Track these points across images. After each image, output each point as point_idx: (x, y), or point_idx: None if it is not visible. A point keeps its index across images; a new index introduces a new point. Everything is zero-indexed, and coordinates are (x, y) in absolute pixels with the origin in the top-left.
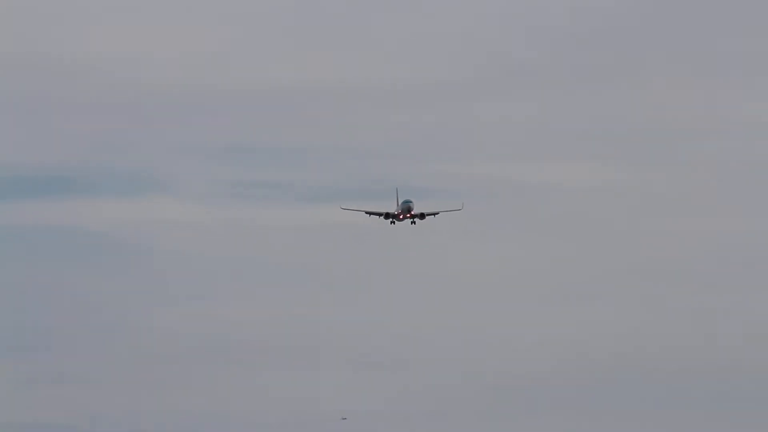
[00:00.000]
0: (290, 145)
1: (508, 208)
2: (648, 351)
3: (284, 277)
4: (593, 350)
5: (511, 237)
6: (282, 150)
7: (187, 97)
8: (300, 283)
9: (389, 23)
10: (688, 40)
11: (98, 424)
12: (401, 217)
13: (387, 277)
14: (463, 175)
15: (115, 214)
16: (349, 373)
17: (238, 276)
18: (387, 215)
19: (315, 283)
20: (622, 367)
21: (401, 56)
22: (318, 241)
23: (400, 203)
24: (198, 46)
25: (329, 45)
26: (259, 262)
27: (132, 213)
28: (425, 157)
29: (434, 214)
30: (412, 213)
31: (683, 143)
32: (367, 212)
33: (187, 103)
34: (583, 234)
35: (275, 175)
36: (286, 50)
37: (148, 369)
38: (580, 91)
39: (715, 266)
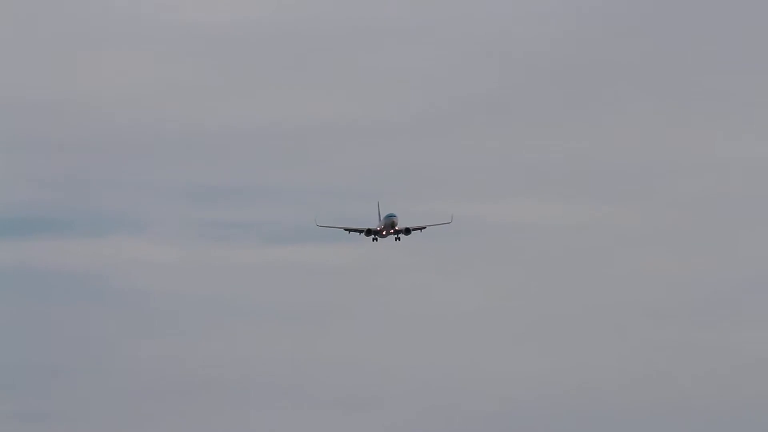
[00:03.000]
0: (264, 185)
1: (483, 246)
2: (623, 387)
3: (260, 317)
4: (571, 387)
5: (485, 275)
6: (256, 190)
7: (160, 137)
8: (275, 322)
9: (362, 61)
10: (663, 76)
11: None
12: (384, 233)
13: (362, 315)
14: (434, 214)
15: (87, 255)
16: (325, 411)
17: (212, 316)
18: (368, 231)
19: (290, 322)
20: (599, 404)
21: (374, 93)
22: (293, 280)
23: (382, 218)
24: (172, 87)
25: (302, 85)
26: (234, 301)
27: (104, 253)
28: (399, 196)
29: (421, 228)
30: (396, 228)
31: (660, 182)
32: (345, 229)
33: (160, 144)
34: (557, 273)
35: (250, 215)
36: (260, 91)
37: (123, 408)
38: (554, 128)
39: (690, 304)
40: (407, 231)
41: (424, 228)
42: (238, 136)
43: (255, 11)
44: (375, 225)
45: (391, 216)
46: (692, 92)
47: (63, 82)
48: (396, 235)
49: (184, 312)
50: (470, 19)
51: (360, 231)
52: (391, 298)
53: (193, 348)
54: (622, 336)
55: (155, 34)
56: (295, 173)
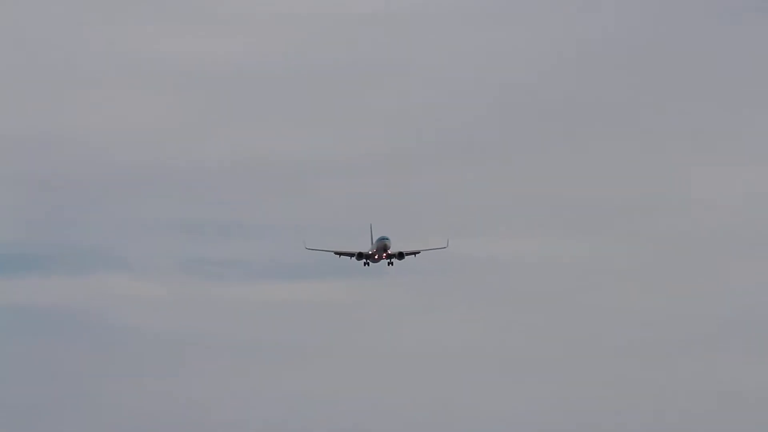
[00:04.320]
0: (246, 221)
1: (465, 282)
2: (605, 424)
3: (242, 353)
4: (553, 422)
5: (466, 311)
6: (238, 226)
7: (141, 173)
8: (257, 359)
9: (349, 97)
10: (644, 113)
11: None
12: (376, 257)
13: (346, 352)
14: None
15: (70, 292)
16: None
17: (194, 352)
18: (360, 255)
19: (273, 359)
20: None
21: (354, 129)
22: (276, 316)
23: (374, 241)
24: (151, 123)
25: (290, 120)
26: (216, 338)
27: (87, 290)
28: (385, 232)
29: (415, 253)
30: (389, 252)
31: (640, 218)
32: (336, 253)
33: (141, 180)
34: (539, 308)
35: (232, 251)
36: (240, 126)
37: None
38: (537, 165)
39: (672, 340)
40: (401, 255)
41: (419, 253)
42: (225, 172)
43: (240, 49)
44: (367, 248)
45: (383, 239)
46: (674, 132)
47: (47, 119)
48: (389, 260)
49: (171, 348)
50: (460, 57)
51: (351, 255)
52: (379, 334)
53: (179, 384)
54: (611, 371)
55: (139, 72)
56: (283, 209)
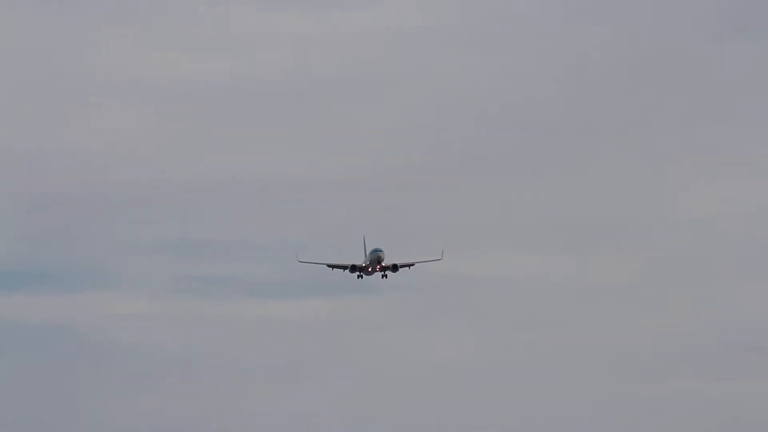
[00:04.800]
0: (240, 238)
1: (455, 300)
2: None
3: (235, 370)
4: None
5: (459, 325)
6: (232, 242)
7: (134, 191)
8: (250, 376)
9: (338, 112)
10: (638, 131)
11: None
12: (370, 269)
13: (335, 370)
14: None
15: (62, 309)
16: None
17: (187, 369)
18: (353, 268)
19: (267, 375)
20: None
21: (350, 145)
22: (269, 333)
23: (368, 253)
24: (145, 141)
25: (277, 136)
26: (209, 355)
27: (79, 307)
28: (379, 244)
29: (410, 265)
30: (383, 264)
31: (635, 235)
32: (329, 265)
33: (134, 197)
34: (528, 326)
35: (224, 268)
36: (234, 143)
37: None
38: (532, 181)
39: (665, 358)
40: (395, 267)
41: (413, 265)
42: (219, 189)
43: (235, 68)
44: (360, 261)
45: (377, 251)
46: (666, 150)
47: (40, 137)
48: (383, 272)
49: (163, 366)
50: (455, 74)
51: (344, 267)
52: (369, 352)
53: (172, 402)
54: (603, 388)
55: (132, 91)
56: (277, 225)
